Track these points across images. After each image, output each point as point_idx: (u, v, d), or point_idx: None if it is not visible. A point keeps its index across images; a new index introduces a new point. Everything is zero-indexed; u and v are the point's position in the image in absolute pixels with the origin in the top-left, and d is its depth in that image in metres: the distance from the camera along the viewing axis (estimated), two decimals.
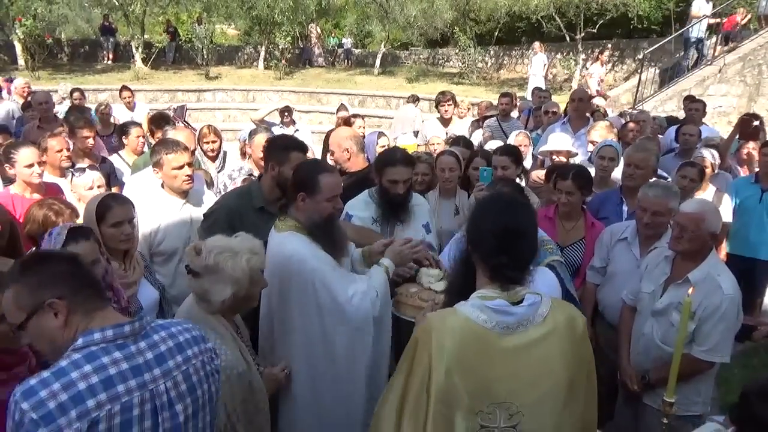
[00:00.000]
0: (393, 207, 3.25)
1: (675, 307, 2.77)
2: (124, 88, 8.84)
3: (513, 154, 3.90)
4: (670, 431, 2.12)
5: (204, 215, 3.16)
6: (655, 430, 2.72)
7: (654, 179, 3.95)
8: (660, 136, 6.50)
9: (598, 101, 8.16)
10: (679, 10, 14.73)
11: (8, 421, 1.41)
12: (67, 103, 8.70)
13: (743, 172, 5.57)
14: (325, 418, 2.60)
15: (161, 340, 1.62)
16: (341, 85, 17.35)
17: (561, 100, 7.80)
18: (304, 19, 19.74)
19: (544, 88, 10.82)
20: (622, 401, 3.13)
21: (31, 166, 3.65)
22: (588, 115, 6.08)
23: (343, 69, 20.79)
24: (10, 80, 10.92)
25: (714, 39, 11.93)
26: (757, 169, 4.94)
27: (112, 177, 4.71)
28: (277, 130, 5.95)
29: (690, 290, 2.18)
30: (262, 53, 19.58)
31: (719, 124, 9.90)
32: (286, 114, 6.87)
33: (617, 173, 4.28)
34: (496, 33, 19.41)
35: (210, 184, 4.50)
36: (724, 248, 4.93)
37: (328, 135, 6.20)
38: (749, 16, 11.95)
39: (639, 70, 12.32)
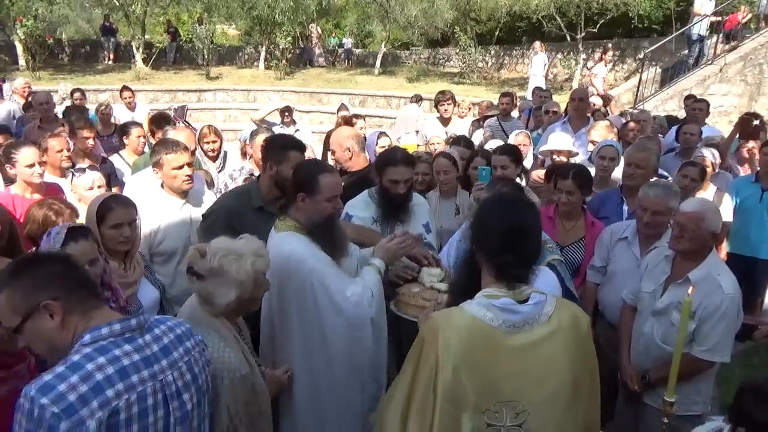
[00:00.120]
0: (393, 207, 3.25)
1: (675, 306, 2.77)
2: (125, 88, 8.84)
3: (512, 153, 3.90)
4: (670, 431, 2.12)
5: (203, 216, 3.16)
6: (655, 430, 2.71)
7: (654, 179, 3.95)
8: (661, 135, 6.50)
9: (596, 100, 8.16)
10: (680, 9, 14.72)
11: (20, 421, 1.39)
12: (67, 104, 8.70)
13: (743, 171, 5.56)
14: (325, 418, 2.60)
15: (163, 333, 1.66)
16: (342, 85, 17.34)
17: (562, 100, 7.80)
18: (305, 19, 19.74)
19: (544, 87, 10.81)
20: (623, 401, 3.12)
21: (31, 166, 3.65)
22: (588, 114, 6.08)
23: (343, 69, 20.79)
24: (3, 80, 10.92)
25: (715, 38, 11.91)
26: (757, 168, 4.94)
27: (112, 177, 4.71)
28: (278, 130, 5.96)
29: (690, 290, 2.18)
30: (263, 53, 19.58)
31: (720, 123, 9.87)
32: (286, 114, 6.88)
33: (618, 173, 4.28)
34: (497, 33, 19.38)
35: (210, 184, 4.50)
36: (725, 248, 4.92)
37: (328, 135, 6.20)
38: (750, 15, 11.93)
39: (640, 70, 12.31)
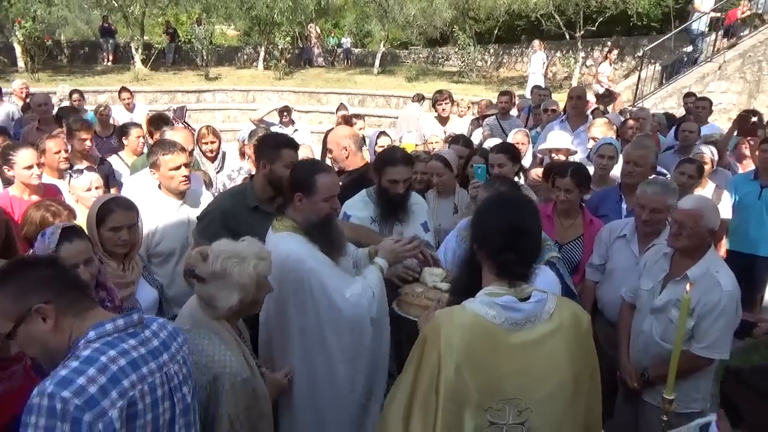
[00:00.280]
0: (392, 207, 3.24)
1: (674, 304, 2.77)
2: (123, 89, 8.85)
3: (509, 151, 3.90)
4: (669, 428, 2.12)
5: (198, 218, 3.15)
6: (654, 428, 2.71)
7: (653, 176, 3.94)
8: (660, 134, 6.49)
9: (599, 89, 8.18)
10: (678, 6, 14.70)
11: (35, 422, 1.37)
12: (65, 105, 8.70)
13: (742, 168, 5.56)
14: (325, 418, 2.60)
15: (158, 329, 1.68)
16: (341, 85, 17.34)
17: (561, 98, 7.80)
18: (304, 19, 19.74)
19: (543, 86, 10.80)
20: (622, 399, 3.12)
21: (30, 167, 3.64)
22: (588, 113, 6.08)
23: (342, 69, 20.78)
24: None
25: (714, 36, 11.90)
26: (753, 166, 4.94)
27: (110, 178, 4.71)
28: (276, 130, 5.95)
29: (688, 287, 2.17)
30: (262, 53, 19.58)
31: (719, 121, 9.85)
32: (285, 114, 6.87)
33: (616, 171, 4.28)
34: (496, 31, 19.39)
35: (209, 184, 4.49)
36: (724, 245, 4.92)
37: (327, 135, 6.20)
38: (748, 11, 11.91)
39: (639, 68, 12.31)
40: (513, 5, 16.33)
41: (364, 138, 6.75)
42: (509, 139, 5.32)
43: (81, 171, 3.67)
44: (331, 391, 2.57)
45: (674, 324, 2.72)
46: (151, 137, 5.47)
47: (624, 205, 3.83)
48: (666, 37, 12.71)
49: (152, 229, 3.24)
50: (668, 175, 4.43)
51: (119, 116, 7.94)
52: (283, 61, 19.01)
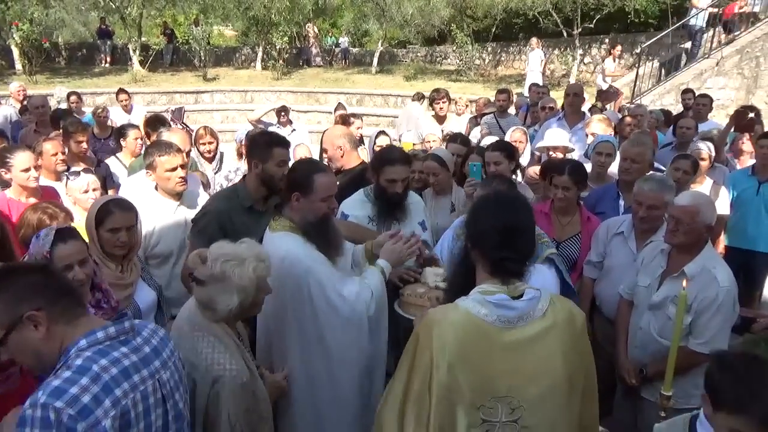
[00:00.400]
0: (390, 206, 3.24)
1: (671, 300, 2.77)
2: (121, 90, 8.85)
3: (505, 149, 3.89)
4: None
5: (193, 220, 3.13)
6: (653, 424, 2.70)
7: (651, 172, 3.94)
8: (658, 131, 6.49)
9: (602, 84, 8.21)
10: (675, 3, 14.69)
11: (32, 430, 1.36)
12: (64, 107, 8.70)
13: (740, 164, 5.56)
14: (323, 418, 2.60)
15: (150, 335, 1.67)
16: (339, 85, 17.33)
17: (559, 96, 7.80)
18: (301, 19, 19.73)
19: (541, 84, 10.81)
20: (621, 396, 3.12)
21: (27, 170, 3.64)
22: (585, 110, 6.08)
23: (340, 68, 20.77)
24: None
25: (711, 32, 11.89)
26: (752, 161, 4.94)
27: (108, 180, 4.71)
28: (274, 131, 5.94)
29: (684, 283, 2.18)
30: (260, 54, 19.56)
31: (718, 117, 9.84)
32: (282, 114, 6.87)
33: (614, 168, 4.28)
34: (493, 30, 19.40)
35: (207, 185, 4.49)
36: (723, 241, 4.92)
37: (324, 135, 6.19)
38: (746, 6, 11.90)
39: (637, 65, 12.31)
40: (510, 3, 16.34)
41: (362, 137, 6.76)
42: (507, 137, 5.32)
43: (78, 173, 3.67)
44: (330, 391, 2.57)
45: (672, 320, 2.71)
46: (149, 138, 5.46)
47: (621, 202, 3.83)
48: (663, 33, 12.70)
49: (149, 230, 3.24)
50: (665, 172, 4.43)
51: (117, 118, 7.94)
52: (281, 62, 18.99)
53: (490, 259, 1.75)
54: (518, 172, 4.41)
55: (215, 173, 5.08)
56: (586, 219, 3.58)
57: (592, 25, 15.41)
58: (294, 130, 6.85)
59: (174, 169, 3.30)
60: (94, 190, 3.58)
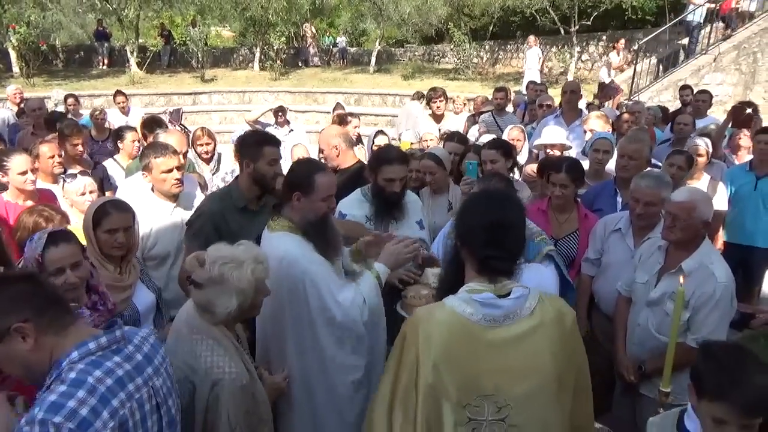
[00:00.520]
0: (388, 205, 3.24)
1: (669, 296, 2.77)
2: (118, 92, 8.83)
3: (501, 147, 3.89)
4: None
5: (187, 223, 3.12)
6: None
7: (648, 169, 3.94)
8: (656, 127, 6.49)
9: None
10: None
11: None
12: (61, 110, 8.69)
13: (737, 160, 5.56)
14: (321, 418, 2.59)
15: (141, 343, 1.66)
16: (337, 84, 17.32)
17: (557, 94, 7.78)
18: (299, 19, 19.72)
19: (539, 81, 10.81)
20: (620, 392, 3.12)
21: (24, 173, 3.64)
22: (583, 107, 6.09)
23: (338, 68, 20.76)
24: None
25: (709, 28, 11.89)
26: (750, 156, 4.94)
27: (105, 182, 4.71)
28: (272, 131, 5.95)
29: (681, 279, 2.18)
30: (257, 54, 19.55)
31: (716, 113, 9.83)
32: (279, 114, 6.87)
33: (611, 165, 4.28)
34: (491, 28, 19.39)
35: (204, 186, 4.48)
36: (721, 237, 4.92)
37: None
38: (741, 3, 11.91)
39: (634, 61, 12.31)
40: (507, 1, 16.34)
41: (360, 137, 6.76)
42: (504, 136, 5.32)
43: (74, 175, 3.66)
44: (326, 393, 2.57)
45: (670, 316, 2.71)
46: (145, 140, 5.46)
47: (619, 199, 3.83)
48: (661, 30, 12.70)
49: (146, 232, 3.24)
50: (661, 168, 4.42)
51: (115, 120, 7.92)
52: (278, 62, 18.97)
53: (477, 257, 1.74)
54: (515, 169, 4.41)
55: (213, 174, 5.08)
56: (584, 216, 3.58)
57: (589, 23, 15.41)
58: (291, 130, 6.85)
59: (170, 171, 3.29)
60: (90, 192, 3.58)
